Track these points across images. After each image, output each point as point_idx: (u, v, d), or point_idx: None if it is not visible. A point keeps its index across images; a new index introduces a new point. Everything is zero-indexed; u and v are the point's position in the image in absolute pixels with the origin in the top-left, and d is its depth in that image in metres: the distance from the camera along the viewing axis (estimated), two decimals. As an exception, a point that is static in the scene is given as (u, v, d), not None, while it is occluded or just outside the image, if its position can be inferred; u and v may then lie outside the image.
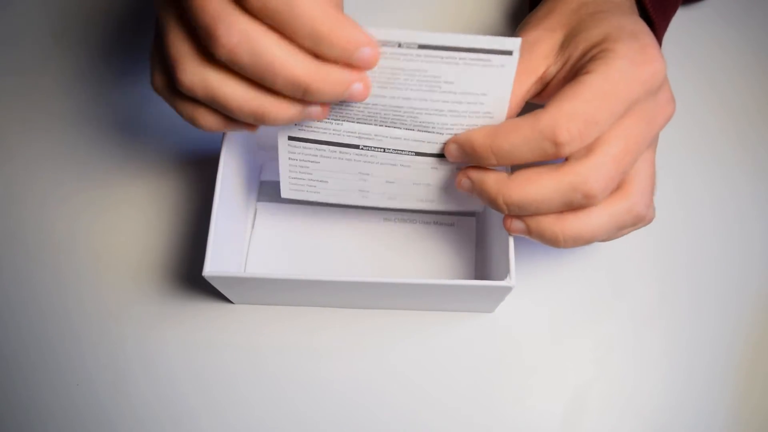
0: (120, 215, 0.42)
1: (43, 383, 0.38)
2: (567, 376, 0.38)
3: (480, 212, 0.41)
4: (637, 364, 0.39)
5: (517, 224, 0.31)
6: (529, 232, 0.31)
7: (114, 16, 0.48)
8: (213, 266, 0.33)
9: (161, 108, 0.36)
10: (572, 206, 0.29)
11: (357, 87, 0.27)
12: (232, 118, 0.28)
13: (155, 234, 0.41)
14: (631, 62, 0.28)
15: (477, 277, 0.40)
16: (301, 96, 0.26)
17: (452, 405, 0.38)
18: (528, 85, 0.32)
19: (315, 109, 0.27)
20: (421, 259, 0.40)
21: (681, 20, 0.47)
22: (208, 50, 0.25)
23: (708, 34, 0.48)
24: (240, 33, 0.24)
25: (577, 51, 0.30)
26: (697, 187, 0.43)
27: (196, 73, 0.26)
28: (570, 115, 0.27)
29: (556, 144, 0.28)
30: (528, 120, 0.28)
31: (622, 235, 0.32)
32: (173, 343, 0.39)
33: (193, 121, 0.29)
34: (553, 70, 0.32)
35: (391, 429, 0.37)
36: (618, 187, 0.30)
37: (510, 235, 0.34)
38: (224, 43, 0.24)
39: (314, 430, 0.37)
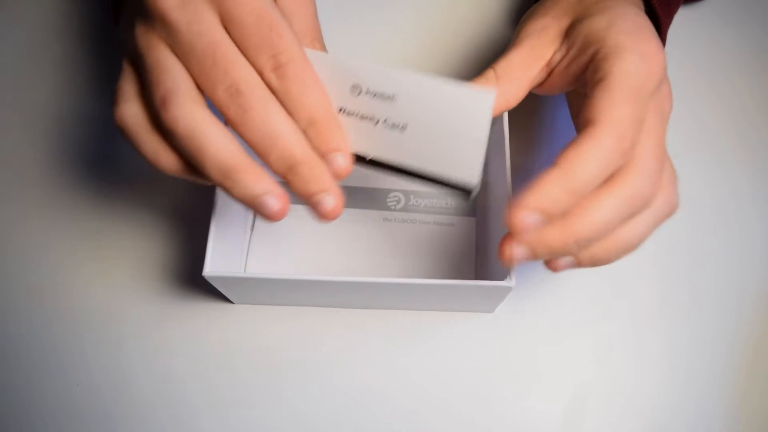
0: (120, 215, 0.42)
1: (43, 383, 0.38)
2: (567, 376, 0.38)
3: (480, 212, 0.41)
4: (637, 364, 0.39)
5: (519, 251, 0.27)
6: (536, 254, 0.27)
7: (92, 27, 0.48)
8: (213, 266, 0.33)
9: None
10: (635, 213, 0.28)
11: (330, 202, 0.27)
12: (193, 166, 0.27)
13: (155, 234, 0.41)
14: (640, 56, 0.28)
15: (477, 277, 0.40)
16: (286, 170, 0.26)
17: (452, 405, 0.38)
18: (536, 71, 0.32)
19: (273, 201, 0.26)
20: (421, 259, 0.40)
21: (681, 20, 0.47)
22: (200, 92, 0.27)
23: (708, 34, 0.48)
24: (262, 108, 0.26)
25: (579, 39, 0.30)
26: (698, 187, 0.43)
27: (188, 108, 0.26)
28: (623, 121, 0.27)
29: (624, 154, 0.27)
30: (588, 144, 0.26)
31: (638, 233, 0.29)
32: (173, 343, 0.39)
33: (154, 160, 0.28)
34: (557, 56, 0.32)
35: (391, 429, 0.37)
36: (619, 169, 0.28)
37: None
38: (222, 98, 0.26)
39: (314, 430, 0.37)
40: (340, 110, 0.29)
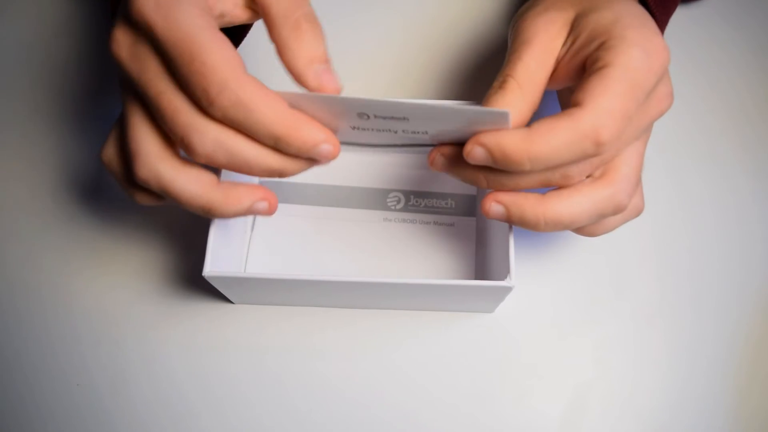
0: (120, 215, 0.42)
1: (43, 383, 0.38)
2: (567, 376, 0.38)
3: (480, 212, 0.41)
4: (637, 364, 0.39)
5: (496, 208, 0.30)
6: (510, 216, 0.30)
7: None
8: (213, 266, 0.33)
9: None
10: (604, 217, 0.30)
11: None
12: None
13: (155, 234, 0.41)
14: (644, 51, 0.28)
15: (477, 277, 0.40)
16: (278, 176, 0.28)
17: (452, 405, 0.38)
18: (550, 65, 0.31)
19: (262, 205, 0.29)
20: (421, 259, 0.40)
21: (682, 20, 0.47)
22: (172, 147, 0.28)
23: (708, 34, 0.48)
24: (213, 141, 0.26)
25: (585, 31, 0.30)
26: (698, 187, 0.43)
27: (152, 170, 0.27)
28: (610, 113, 0.27)
29: (598, 144, 0.27)
30: (565, 120, 0.27)
31: (605, 229, 0.32)
32: (173, 343, 0.39)
33: (132, 198, 0.31)
34: (563, 50, 0.31)
35: (391, 429, 0.37)
36: (602, 173, 0.29)
37: (509, 233, 0.34)
38: (200, 152, 0.27)
39: (314, 430, 0.37)
40: (353, 128, 0.29)
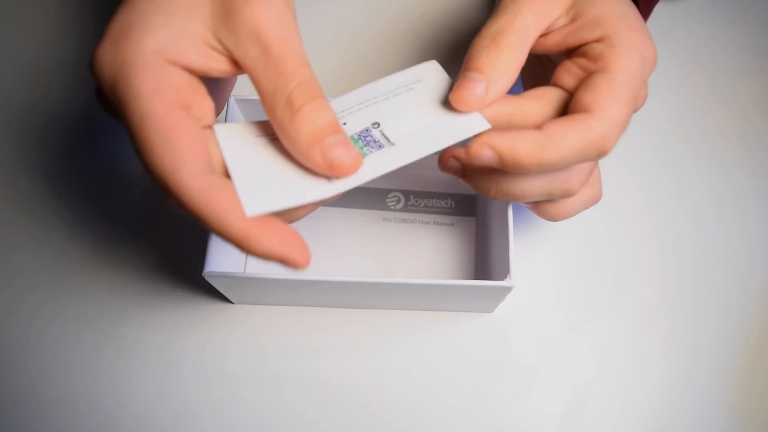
0: (119, 215, 0.42)
1: (43, 383, 0.38)
2: (567, 376, 0.38)
3: (480, 212, 0.41)
4: (637, 364, 0.39)
5: (453, 163, 0.30)
6: (464, 176, 0.30)
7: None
8: (213, 266, 0.33)
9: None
10: (553, 197, 0.31)
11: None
12: None
13: (155, 234, 0.41)
14: (642, 59, 0.28)
15: (477, 277, 0.40)
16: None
17: (452, 405, 0.38)
18: (543, 27, 0.30)
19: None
20: (421, 259, 0.40)
21: (682, 19, 0.47)
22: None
23: (709, 34, 0.48)
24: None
25: (589, 15, 0.29)
26: (698, 187, 0.43)
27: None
28: (617, 124, 0.27)
29: (602, 153, 0.27)
30: (578, 128, 0.27)
31: (563, 213, 0.32)
32: (173, 343, 0.39)
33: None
34: (561, 21, 0.30)
35: (391, 429, 0.37)
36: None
37: (509, 233, 0.34)
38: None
39: (314, 429, 0.37)
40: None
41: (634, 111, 0.30)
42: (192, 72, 0.25)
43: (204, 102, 0.26)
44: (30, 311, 0.40)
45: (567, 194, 0.30)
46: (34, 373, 0.38)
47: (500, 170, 0.28)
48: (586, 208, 0.33)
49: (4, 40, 0.47)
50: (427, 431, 0.37)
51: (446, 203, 0.42)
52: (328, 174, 0.26)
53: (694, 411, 0.38)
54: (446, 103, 0.29)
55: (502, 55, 0.28)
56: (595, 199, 0.33)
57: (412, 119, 0.29)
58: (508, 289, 0.34)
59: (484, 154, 0.27)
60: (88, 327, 0.39)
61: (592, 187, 0.32)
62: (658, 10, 0.45)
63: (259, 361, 0.39)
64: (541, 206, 0.32)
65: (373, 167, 0.27)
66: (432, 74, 0.30)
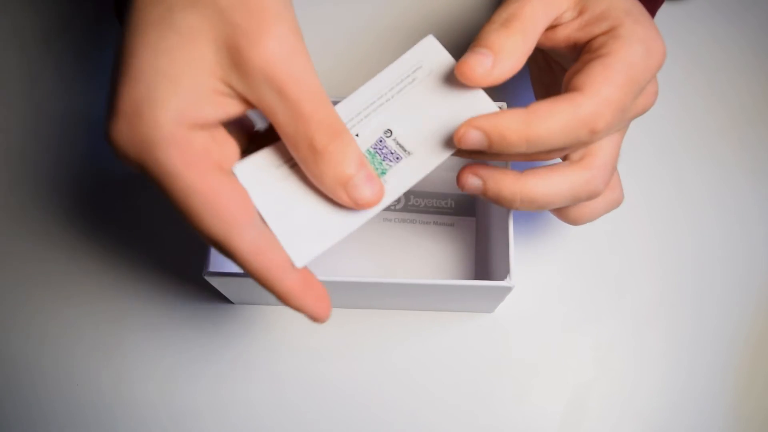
0: (119, 215, 0.42)
1: (43, 383, 0.38)
2: (567, 376, 0.38)
3: (480, 213, 0.41)
4: (637, 364, 0.39)
5: (473, 180, 0.29)
6: (486, 190, 0.29)
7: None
8: (213, 266, 0.33)
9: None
10: (579, 200, 0.30)
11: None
12: None
13: (155, 234, 0.41)
14: (647, 50, 0.28)
15: (477, 277, 0.40)
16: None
17: (452, 405, 0.38)
18: (552, 18, 0.30)
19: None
20: (421, 259, 0.40)
21: (683, 19, 0.47)
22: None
23: (709, 34, 0.48)
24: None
25: (597, 10, 0.29)
26: (698, 187, 0.43)
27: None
28: (609, 103, 0.27)
29: (593, 132, 0.27)
30: (565, 105, 0.27)
31: (586, 217, 0.32)
32: (173, 343, 0.39)
33: None
34: (569, 15, 0.30)
35: (391, 429, 0.37)
36: (581, 157, 0.29)
37: (509, 233, 0.34)
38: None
39: (314, 429, 0.37)
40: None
41: (644, 110, 0.30)
42: (211, 125, 0.25)
43: (230, 149, 0.26)
44: (30, 311, 0.40)
45: (592, 195, 0.30)
46: (35, 373, 0.38)
47: (518, 175, 0.28)
48: (607, 211, 0.32)
49: (4, 39, 0.47)
50: (427, 431, 0.37)
51: (446, 203, 0.42)
52: (354, 208, 0.27)
53: (694, 411, 0.38)
54: (451, 89, 0.29)
55: (511, 37, 0.28)
56: (617, 203, 0.33)
57: (422, 118, 0.29)
58: (508, 289, 0.34)
59: (470, 135, 0.27)
60: (89, 327, 0.39)
61: (613, 190, 0.32)
62: (658, 11, 0.45)
63: (259, 361, 0.39)
64: (563, 208, 0.32)
65: (395, 186, 0.28)
66: (431, 54, 0.29)
